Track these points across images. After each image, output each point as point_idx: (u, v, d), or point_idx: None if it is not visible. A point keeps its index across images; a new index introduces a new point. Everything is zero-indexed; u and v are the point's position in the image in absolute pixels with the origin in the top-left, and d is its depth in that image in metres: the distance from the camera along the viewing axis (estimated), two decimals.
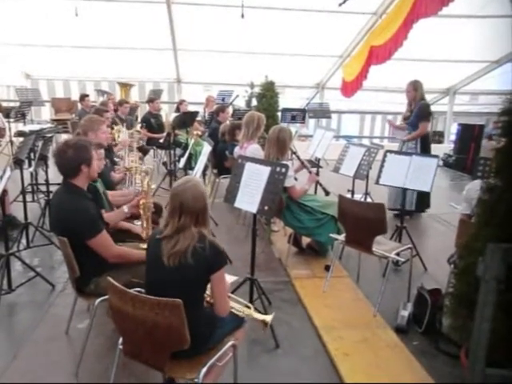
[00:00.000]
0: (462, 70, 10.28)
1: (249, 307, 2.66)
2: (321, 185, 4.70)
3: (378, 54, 7.72)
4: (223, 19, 8.31)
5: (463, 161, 9.10)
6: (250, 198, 3.21)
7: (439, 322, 3.21)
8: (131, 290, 2.13)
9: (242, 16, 7.14)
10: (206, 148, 4.80)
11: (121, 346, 2.29)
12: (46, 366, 2.88)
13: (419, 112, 5.67)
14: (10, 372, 2.81)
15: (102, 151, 3.70)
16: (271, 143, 4.30)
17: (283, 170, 3.13)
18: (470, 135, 9.21)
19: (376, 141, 11.81)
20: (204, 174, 4.94)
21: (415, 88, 5.70)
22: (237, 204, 3.30)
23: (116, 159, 5.07)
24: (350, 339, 3.22)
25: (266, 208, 3.14)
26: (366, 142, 10.98)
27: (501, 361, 2.02)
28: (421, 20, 6.63)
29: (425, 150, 5.75)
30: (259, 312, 2.91)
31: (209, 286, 2.31)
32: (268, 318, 2.71)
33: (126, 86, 10.39)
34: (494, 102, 10.18)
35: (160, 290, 2.13)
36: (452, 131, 10.57)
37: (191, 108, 8.58)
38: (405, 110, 5.99)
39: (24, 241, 4.56)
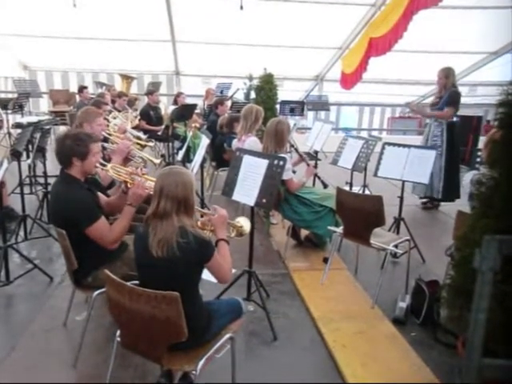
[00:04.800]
0: (461, 61, 10.23)
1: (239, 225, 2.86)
2: (319, 178, 4.70)
3: (378, 46, 7.69)
4: (222, 11, 8.27)
5: (461, 152, 9.07)
6: (247, 190, 3.21)
7: (437, 313, 3.22)
8: (128, 283, 2.14)
9: (241, 7, 7.11)
10: (204, 141, 4.79)
11: (118, 338, 2.30)
12: (44, 357, 2.89)
13: (448, 98, 5.68)
14: (8, 363, 2.83)
15: (99, 144, 3.67)
16: (269, 136, 4.28)
17: (281, 162, 3.13)
18: (468, 126, 9.18)
19: (375, 133, 11.81)
20: (202, 166, 4.92)
21: (447, 75, 5.69)
22: (235, 197, 3.30)
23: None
24: (348, 331, 3.23)
25: (263, 201, 3.15)
26: (364, 134, 10.97)
27: (497, 351, 2.04)
28: (420, 11, 6.61)
29: (452, 139, 5.75)
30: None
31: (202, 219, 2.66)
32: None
33: (127, 79, 10.29)
34: (492, 94, 10.16)
35: (153, 284, 2.12)
36: None
37: (190, 101, 8.54)
38: (433, 97, 6.01)
39: (22, 233, 4.55)
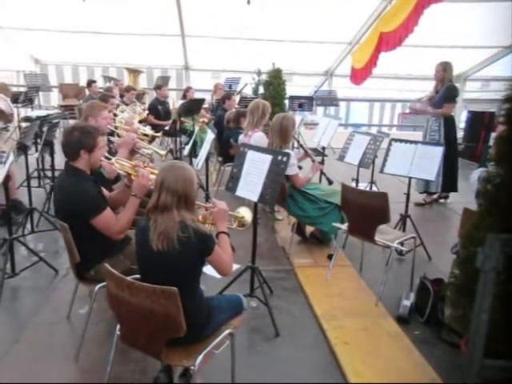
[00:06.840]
0: (473, 56, 10.07)
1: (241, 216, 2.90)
2: (324, 174, 4.66)
3: (388, 41, 7.60)
4: (230, 5, 8.22)
5: (472, 149, 8.96)
6: (251, 186, 3.19)
7: (441, 312, 3.18)
8: (130, 277, 2.13)
9: (248, 2, 7.07)
10: (210, 136, 4.78)
11: (119, 333, 2.30)
12: (47, 349, 2.92)
13: (446, 93, 5.64)
14: (12, 355, 2.85)
15: (105, 138, 3.68)
16: (274, 131, 4.25)
17: (285, 158, 3.11)
18: (479, 122, 9.06)
19: (385, 129, 11.71)
20: (207, 161, 4.90)
21: (444, 69, 5.67)
22: (238, 193, 3.28)
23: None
24: (351, 328, 3.21)
25: (267, 197, 3.13)
26: (374, 130, 10.89)
27: (499, 351, 2.00)
28: (431, 5, 6.52)
29: (449, 134, 5.71)
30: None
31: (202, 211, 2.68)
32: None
33: (134, 73, 10.34)
34: (505, 89, 9.99)
35: (153, 278, 2.12)
36: (462, 119, 10.40)
37: (199, 95, 8.53)
38: (430, 92, 5.94)
39: (29, 226, 4.59)
